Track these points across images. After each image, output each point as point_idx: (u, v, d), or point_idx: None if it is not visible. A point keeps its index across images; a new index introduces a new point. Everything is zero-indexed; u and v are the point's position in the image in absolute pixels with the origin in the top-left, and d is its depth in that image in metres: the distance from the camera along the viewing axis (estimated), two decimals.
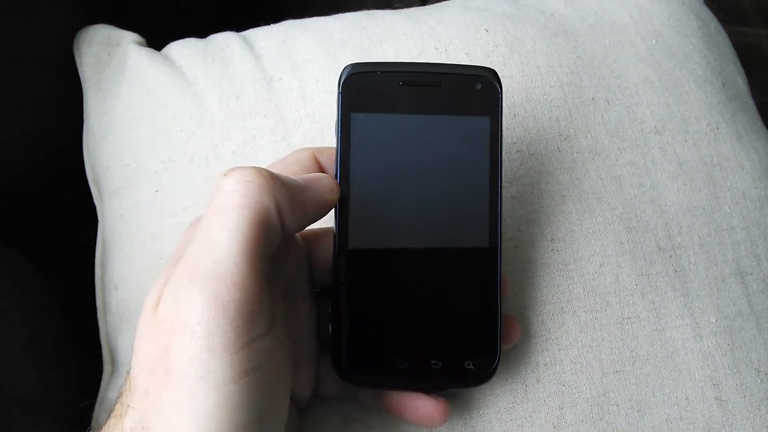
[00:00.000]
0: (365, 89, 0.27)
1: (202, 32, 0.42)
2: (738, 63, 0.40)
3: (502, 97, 0.27)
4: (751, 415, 0.31)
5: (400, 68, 0.28)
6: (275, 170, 0.24)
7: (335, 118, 0.27)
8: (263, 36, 0.40)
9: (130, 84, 0.39)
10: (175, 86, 0.38)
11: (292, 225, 0.23)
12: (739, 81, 0.39)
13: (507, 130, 0.34)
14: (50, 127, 0.44)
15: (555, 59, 0.35)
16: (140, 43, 0.42)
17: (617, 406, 0.30)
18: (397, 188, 0.27)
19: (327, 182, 0.26)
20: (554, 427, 0.29)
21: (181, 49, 0.40)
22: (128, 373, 0.23)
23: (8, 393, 0.30)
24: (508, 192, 0.32)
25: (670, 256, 0.32)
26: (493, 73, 0.28)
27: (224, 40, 0.40)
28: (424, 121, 0.27)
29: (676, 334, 0.31)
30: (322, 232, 0.28)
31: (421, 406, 0.27)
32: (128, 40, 0.41)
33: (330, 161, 0.28)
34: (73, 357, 0.41)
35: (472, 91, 0.27)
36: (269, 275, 0.23)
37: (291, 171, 0.27)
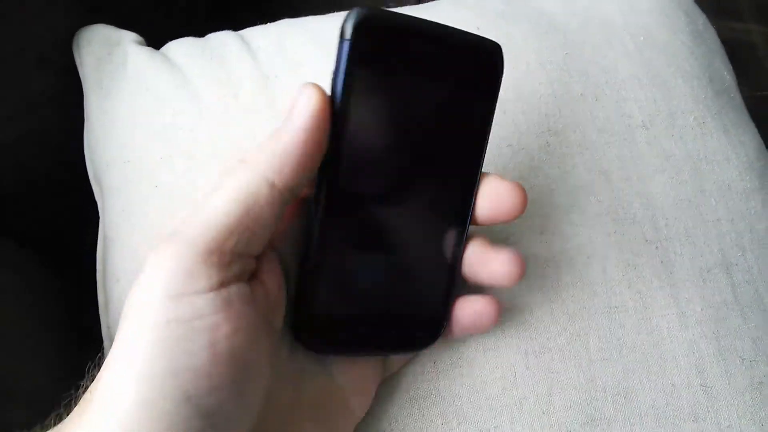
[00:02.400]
0: (372, 43, 0.24)
1: (199, 32, 0.43)
2: (726, 59, 0.41)
3: (502, 71, 0.27)
4: (736, 402, 0.31)
5: (409, 23, 0.25)
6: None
7: (333, 66, 0.24)
8: (260, 35, 0.41)
9: (130, 82, 0.40)
10: (174, 84, 0.39)
11: (293, 180, 0.23)
12: (727, 76, 0.39)
13: (497, 125, 0.34)
14: (50, 127, 0.45)
15: (545, 56, 0.36)
16: (140, 43, 0.43)
17: (605, 392, 0.31)
18: (386, 146, 0.25)
19: (303, 114, 0.23)
20: (543, 412, 0.30)
21: (180, 48, 0.41)
22: None
23: (13, 387, 0.31)
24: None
25: (657, 248, 0.33)
26: (498, 48, 0.27)
27: (222, 39, 0.41)
28: (425, 82, 0.25)
29: (663, 323, 0.32)
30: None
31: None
32: (128, 40, 0.42)
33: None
34: (80, 351, 0.42)
35: (476, 61, 0.26)
36: (243, 251, 0.22)
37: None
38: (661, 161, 0.35)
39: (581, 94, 0.35)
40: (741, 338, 0.32)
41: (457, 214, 0.27)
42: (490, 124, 0.27)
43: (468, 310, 0.28)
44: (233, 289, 0.22)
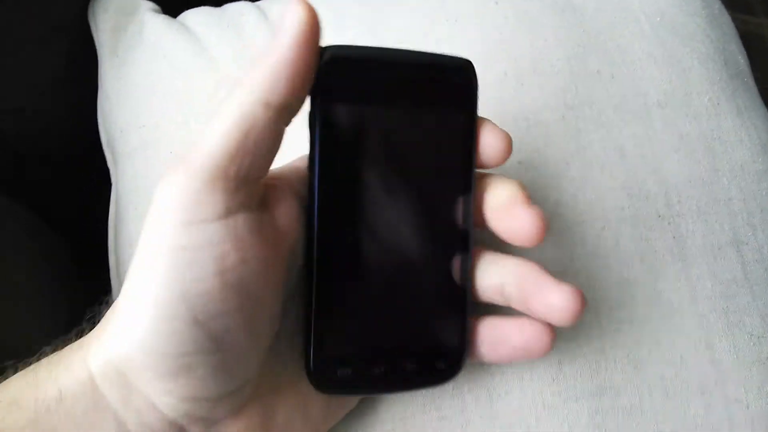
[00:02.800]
0: (340, 77, 0.24)
1: (216, 2, 0.43)
2: (740, 44, 0.41)
3: (477, 90, 0.26)
4: (743, 376, 0.32)
5: (376, 55, 0.25)
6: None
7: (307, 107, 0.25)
8: (278, 4, 0.41)
9: (147, 49, 0.40)
10: (191, 51, 0.39)
11: (288, 96, 0.23)
12: (741, 60, 0.40)
13: (514, 100, 0.35)
14: (64, 94, 0.45)
15: (562, 33, 0.36)
16: (156, 11, 0.43)
17: (614, 362, 0.31)
18: (369, 181, 0.25)
19: (292, 27, 0.22)
20: (553, 380, 0.31)
21: (197, 16, 0.41)
22: None
23: (23, 354, 0.31)
24: (514, 157, 0.32)
25: (669, 224, 0.33)
26: (469, 65, 0.26)
27: (239, 8, 0.41)
28: (399, 111, 0.25)
29: (673, 297, 0.32)
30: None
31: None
32: (144, 8, 0.42)
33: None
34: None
35: (448, 83, 0.26)
36: (246, 176, 0.22)
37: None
38: (676, 140, 0.35)
39: (598, 71, 0.36)
40: (750, 315, 0.33)
41: (458, 237, 0.26)
42: (475, 138, 0.26)
43: (521, 335, 0.26)
44: (240, 217, 0.22)
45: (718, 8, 0.41)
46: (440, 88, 0.26)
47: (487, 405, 0.30)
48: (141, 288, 0.21)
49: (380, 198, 0.25)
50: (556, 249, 0.32)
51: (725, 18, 0.41)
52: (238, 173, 0.22)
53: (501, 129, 0.26)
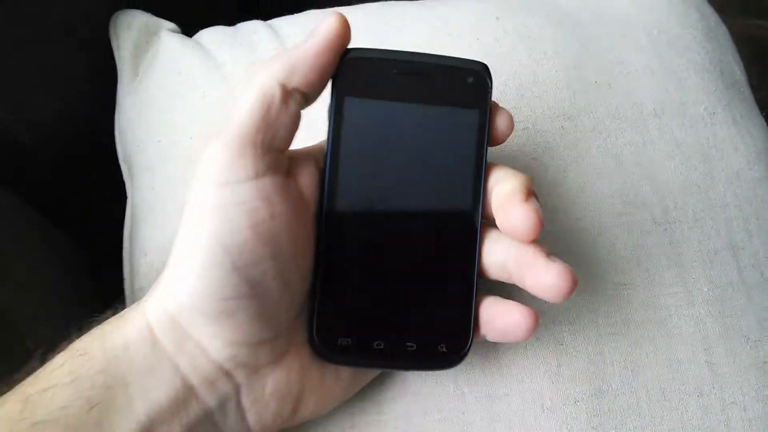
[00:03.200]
0: (361, 75, 0.28)
1: (230, 22, 0.45)
2: (737, 56, 0.42)
3: (491, 92, 0.28)
4: (740, 379, 0.32)
5: (397, 57, 0.28)
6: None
7: (328, 100, 0.28)
8: (288, 23, 0.43)
9: (163, 67, 0.42)
10: (205, 68, 0.41)
11: (303, 85, 0.26)
12: (737, 71, 0.40)
13: (515, 108, 0.36)
14: (82, 107, 0.47)
15: (560, 45, 0.38)
16: (174, 31, 0.45)
17: (612, 365, 0.32)
18: (383, 171, 0.28)
19: (323, 31, 0.26)
20: (552, 382, 0.31)
21: (211, 35, 0.43)
22: None
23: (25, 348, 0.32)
24: (512, 165, 0.34)
25: (665, 229, 0.34)
26: (485, 69, 0.28)
27: (251, 27, 0.43)
28: (415, 110, 0.28)
29: (670, 301, 0.33)
30: None
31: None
32: (165, 28, 0.44)
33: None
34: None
35: (463, 84, 0.28)
36: (270, 145, 0.26)
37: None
38: (671, 148, 0.36)
39: (595, 81, 0.37)
40: (746, 318, 0.33)
41: (467, 223, 0.28)
42: (487, 135, 0.28)
43: (503, 319, 0.27)
44: (268, 179, 0.25)
45: (715, 21, 0.42)
46: (454, 87, 0.28)
47: (487, 407, 0.31)
48: (189, 243, 0.25)
49: (390, 182, 0.28)
50: None
51: (722, 30, 0.42)
52: (263, 141, 0.25)
53: (503, 108, 0.28)
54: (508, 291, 0.29)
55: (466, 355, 0.28)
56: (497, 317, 0.28)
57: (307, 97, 0.27)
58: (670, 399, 0.32)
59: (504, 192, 0.27)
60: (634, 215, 0.34)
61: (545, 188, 0.34)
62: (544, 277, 0.26)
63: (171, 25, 0.45)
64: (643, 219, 0.34)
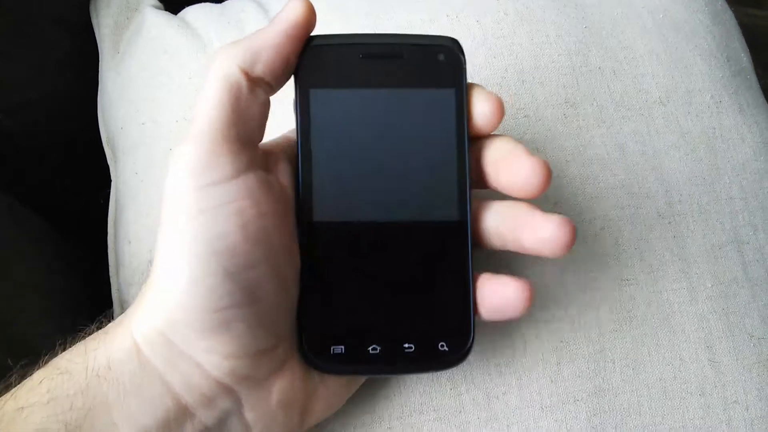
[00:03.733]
0: (324, 63, 0.26)
1: None
2: (743, 41, 0.41)
3: (465, 68, 0.26)
4: (743, 378, 0.32)
5: (360, 40, 0.26)
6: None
7: (292, 95, 0.26)
8: (277, 1, 0.41)
9: (147, 45, 0.40)
10: (191, 48, 0.39)
11: (267, 74, 0.25)
12: (744, 58, 0.39)
13: (515, 95, 0.35)
14: (65, 89, 0.45)
15: (564, 28, 0.36)
16: (157, 7, 0.43)
17: (613, 363, 0.31)
18: (361, 165, 0.26)
19: (286, 15, 0.25)
20: (551, 381, 0.30)
21: (197, 12, 0.41)
22: None
23: (21, 352, 0.31)
24: None
25: (669, 223, 0.33)
26: (456, 43, 0.27)
27: (239, 5, 0.41)
28: (386, 95, 0.26)
29: (673, 297, 0.32)
30: None
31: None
32: (146, 4, 0.42)
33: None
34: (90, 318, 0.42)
35: (435, 62, 0.26)
36: (245, 139, 0.24)
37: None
38: (677, 137, 0.35)
39: (599, 67, 0.35)
40: (750, 315, 0.33)
41: (455, 208, 0.26)
42: (465, 110, 0.26)
43: (497, 294, 0.26)
44: (251, 175, 0.24)
45: (721, 5, 0.40)
46: (424, 67, 0.26)
47: (485, 406, 0.30)
48: (172, 254, 0.23)
49: (369, 175, 0.26)
50: None
51: (728, 15, 0.41)
52: (239, 136, 0.24)
53: (491, 93, 0.26)
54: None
55: (469, 351, 0.26)
56: (492, 295, 0.26)
57: (271, 85, 0.25)
58: (672, 398, 0.31)
59: (501, 151, 0.26)
60: (639, 208, 0.33)
61: None
62: (542, 229, 0.24)
63: (153, 0, 0.43)
64: (647, 212, 0.33)
